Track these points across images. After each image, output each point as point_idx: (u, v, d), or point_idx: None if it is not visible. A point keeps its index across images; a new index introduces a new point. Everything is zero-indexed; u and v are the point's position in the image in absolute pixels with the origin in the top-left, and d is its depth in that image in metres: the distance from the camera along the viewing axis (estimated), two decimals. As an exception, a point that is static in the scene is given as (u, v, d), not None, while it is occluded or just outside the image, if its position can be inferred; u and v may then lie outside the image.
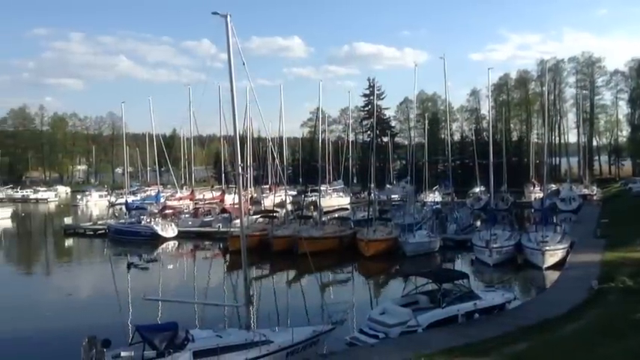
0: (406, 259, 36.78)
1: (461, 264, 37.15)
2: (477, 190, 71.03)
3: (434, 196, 66.64)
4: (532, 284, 30.59)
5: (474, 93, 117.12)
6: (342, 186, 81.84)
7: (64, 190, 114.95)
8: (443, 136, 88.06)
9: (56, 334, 21.85)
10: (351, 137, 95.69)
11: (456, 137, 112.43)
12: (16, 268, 42.71)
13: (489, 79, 54.56)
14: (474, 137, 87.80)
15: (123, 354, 14.17)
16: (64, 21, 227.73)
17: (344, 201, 72.59)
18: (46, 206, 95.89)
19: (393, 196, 74.20)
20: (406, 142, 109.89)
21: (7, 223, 66.71)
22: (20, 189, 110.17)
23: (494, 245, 34.15)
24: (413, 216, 43.81)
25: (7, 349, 20.68)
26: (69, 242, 51.56)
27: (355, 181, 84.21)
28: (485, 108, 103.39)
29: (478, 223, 50.24)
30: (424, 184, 58.46)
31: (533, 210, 61.00)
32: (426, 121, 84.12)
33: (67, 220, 56.93)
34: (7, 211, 70.43)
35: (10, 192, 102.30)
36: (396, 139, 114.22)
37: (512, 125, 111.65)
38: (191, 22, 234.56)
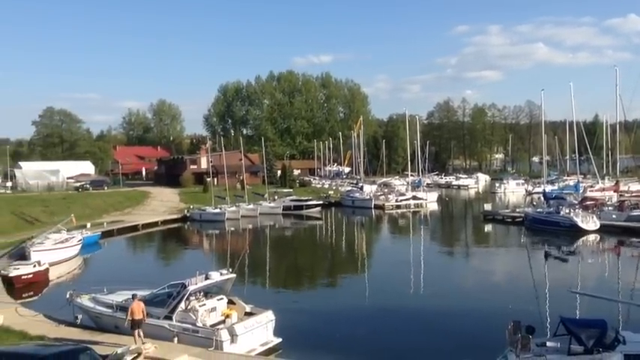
0: None
1: None
2: None
3: None
4: None
5: None
6: None
7: (483, 178, 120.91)
8: None
9: (478, 312, 23.21)
10: None
11: None
12: (440, 246, 47.22)
13: None
14: None
15: (548, 344, 13.95)
16: (482, 16, 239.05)
17: None
18: (467, 192, 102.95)
19: None
20: None
21: (434, 206, 74.49)
22: (444, 176, 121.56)
23: None
24: None
25: (436, 319, 23.08)
26: (487, 227, 54.13)
27: None
28: None
29: None
30: None
31: None
32: None
33: (487, 206, 59.85)
34: (434, 195, 78.55)
35: (436, 178, 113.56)
36: None
37: None
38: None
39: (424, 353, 18.88)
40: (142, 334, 17.76)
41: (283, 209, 65.71)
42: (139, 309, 17.82)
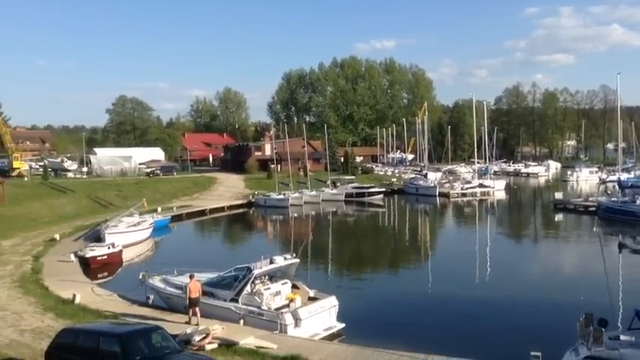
0: None
1: None
2: None
3: None
4: None
5: None
6: None
7: (554, 166, 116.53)
8: None
9: (548, 303, 22.50)
10: None
11: None
12: (507, 236, 46.04)
13: None
14: None
15: (622, 337, 13.31)
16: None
17: None
18: (536, 180, 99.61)
19: None
20: None
21: (501, 194, 72.44)
22: (512, 163, 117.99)
23: None
24: None
25: (503, 309, 22.63)
26: (558, 216, 52.21)
27: None
28: None
29: None
30: None
31: None
32: None
33: (557, 195, 57.72)
34: (501, 183, 76.37)
35: (503, 165, 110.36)
36: None
37: None
38: None
39: (491, 344, 18.45)
40: (198, 312, 18.56)
41: (345, 196, 65.77)
42: (195, 288, 18.48)
